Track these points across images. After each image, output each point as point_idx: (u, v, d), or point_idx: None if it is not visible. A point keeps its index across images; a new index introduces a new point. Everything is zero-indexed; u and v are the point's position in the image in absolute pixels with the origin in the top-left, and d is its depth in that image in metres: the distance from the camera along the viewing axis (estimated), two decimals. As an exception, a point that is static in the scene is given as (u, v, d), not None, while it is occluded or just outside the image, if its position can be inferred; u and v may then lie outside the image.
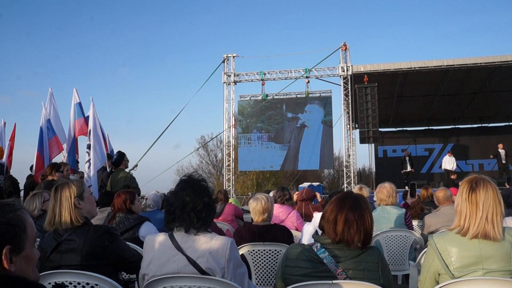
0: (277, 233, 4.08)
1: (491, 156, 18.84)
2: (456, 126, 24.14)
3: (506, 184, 11.64)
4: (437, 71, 16.84)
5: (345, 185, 16.75)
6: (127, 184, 6.96)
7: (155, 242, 2.51)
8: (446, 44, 72.36)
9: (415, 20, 74.50)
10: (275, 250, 3.89)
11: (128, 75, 65.47)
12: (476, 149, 23.40)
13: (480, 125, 24.07)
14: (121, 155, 7.57)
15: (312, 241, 2.40)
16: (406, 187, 16.31)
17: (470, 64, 16.29)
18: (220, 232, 5.64)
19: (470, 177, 2.46)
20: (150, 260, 2.49)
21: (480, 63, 16.21)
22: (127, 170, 7.93)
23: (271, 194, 6.30)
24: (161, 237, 2.51)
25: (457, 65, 16.35)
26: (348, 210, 2.31)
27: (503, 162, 18.37)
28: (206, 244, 2.42)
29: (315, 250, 2.29)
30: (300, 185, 26.07)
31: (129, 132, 61.92)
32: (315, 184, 27.03)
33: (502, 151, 18.40)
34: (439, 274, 2.38)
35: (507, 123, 23.71)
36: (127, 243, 3.19)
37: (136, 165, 13.83)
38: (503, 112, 22.73)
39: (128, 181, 7.26)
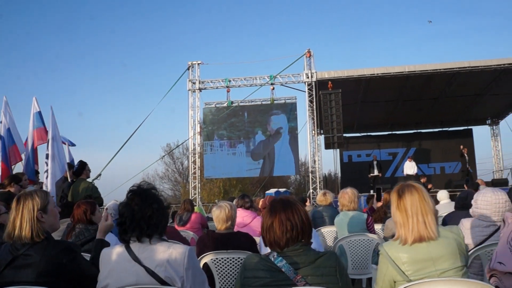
0: (240, 241, 4.06)
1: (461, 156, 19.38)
2: (418, 131, 24.63)
3: (464, 185, 11.94)
4: (399, 77, 17.17)
5: (311, 190, 16.87)
6: (89, 194, 6.81)
7: (111, 255, 2.46)
8: (408, 50, 74.08)
9: (378, 27, 76.04)
10: (239, 258, 3.87)
11: (91, 83, 64.47)
12: (437, 152, 23.97)
13: (441, 129, 24.64)
14: (82, 164, 7.41)
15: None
16: (372, 191, 16.60)
17: (430, 70, 16.70)
18: (184, 241, 5.59)
19: (397, 186, 2.56)
20: (108, 273, 2.44)
21: (440, 69, 16.64)
22: (89, 179, 7.77)
23: (234, 201, 6.30)
24: (117, 249, 2.46)
25: (418, 71, 16.74)
26: (279, 212, 2.33)
27: (467, 166, 19.01)
28: (164, 253, 2.39)
29: (272, 259, 2.28)
30: (267, 192, 26.13)
31: (92, 141, 60.81)
32: (281, 190, 27.12)
33: (466, 156, 19.09)
34: (394, 282, 2.43)
35: (466, 127, 24.39)
36: (87, 255, 3.11)
37: (100, 174, 13.56)
38: (462, 117, 23.36)
39: (90, 191, 7.10)
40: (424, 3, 72.87)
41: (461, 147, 19.56)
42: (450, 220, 4.90)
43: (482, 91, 19.57)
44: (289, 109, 17.76)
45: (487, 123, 24.47)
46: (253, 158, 17.79)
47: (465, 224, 3.64)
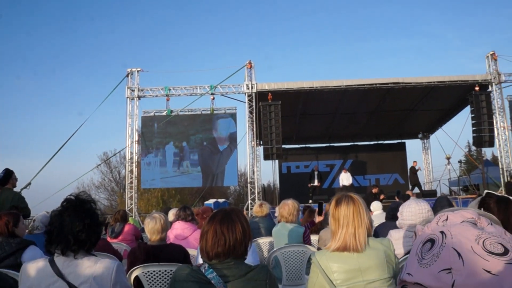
0: (173, 253, 3.99)
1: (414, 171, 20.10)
2: (355, 143, 25.32)
3: (395, 197, 12.37)
4: (337, 91, 17.58)
5: (249, 201, 16.89)
6: (15, 205, 6.45)
7: (32, 269, 2.31)
8: (347, 65, 76.44)
9: (318, 41, 77.98)
10: (171, 270, 3.78)
11: (25, 88, 61.78)
12: (373, 164, 24.73)
13: (376, 142, 25.47)
14: (8, 173, 7.00)
15: None
16: (310, 201, 16.84)
17: (366, 85, 17.24)
18: (116, 253, 5.42)
19: (337, 195, 2.63)
20: (27, 289, 2.28)
21: (375, 84, 17.21)
22: (16, 189, 7.37)
23: (171, 212, 6.19)
24: (40, 263, 2.32)
25: (355, 85, 17.22)
26: (216, 223, 2.31)
27: (417, 178, 19.81)
28: (89, 268, 2.28)
29: (203, 270, 2.24)
30: (206, 202, 25.99)
31: (24, 149, 58.13)
32: (221, 200, 27.09)
33: (417, 168, 19.91)
34: None
35: (399, 141, 25.36)
36: (8, 271, 2.93)
37: (29, 184, 13.00)
38: (396, 131, 24.25)
39: (16, 201, 6.72)
40: (362, 22, 75.67)
41: (415, 163, 20.41)
42: (381, 231, 5.04)
43: (414, 106, 20.43)
44: (229, 120, 17.75)
45: (419, 137, 25.54)
46: (193, 168, 17.59)
47: (394, 235, 3.77)
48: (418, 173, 20.25)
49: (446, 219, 1.06)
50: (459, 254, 0.91)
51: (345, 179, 19.28)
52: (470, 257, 0.90)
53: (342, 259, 2.43)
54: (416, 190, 19.55)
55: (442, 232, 0.99)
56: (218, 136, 17.68)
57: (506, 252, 0.91)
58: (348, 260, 2.43)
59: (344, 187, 19.11)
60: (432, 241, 0.99)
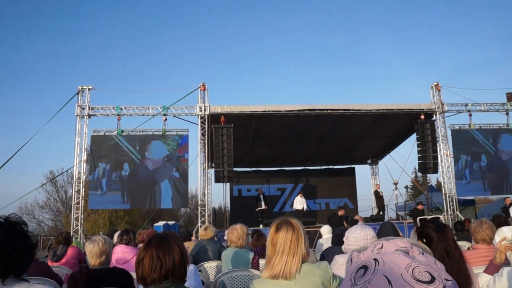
0: (115, 277, 3.85)
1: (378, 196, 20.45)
2: (306, 168, 25.64)
3: (344, 222, 12.54)
4: (289, 115, 17.81)
5: (199, 224, 16.69)
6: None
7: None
8: (300, 90, 77.83)
9: (272, 66, 79.15)
10: (113, 295, 3.65)
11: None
12: (323, 189, 25.07)
13: (326, 167, 25.89)
14: None
15: None
16: (261, 225, 16.83)
17: (318, 110, 17.57)
18: (57, 277, 5.21)
19: (277, 220, 2.63)
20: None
21: (327, 110, 17.59)
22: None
23: (115, 235, 6.03)
24: (-35, 291, 2.18)
25: (306, 110, 17.51)
26: (152, 249, 2.28)
27: (382, 201, 20.21)
28: (20, 295, 2.16)
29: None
30: (155, 224, 25.49)
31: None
32: (170, 223, 26.66)
33: (380, 191, 20.30)
34: None
35: (349, 166, 25.90)
36: None
37: (-33, 203, 12.35)
38: (345, 156, 24.78)
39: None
40: (315, 48, 77.55)
41: (378, 186, 20.86)
42: (327, 255, 5.10)
43: (364, 132, 21.00)
44: (181, 141, 17.59)
45: (368, 162, 26.18)
46: (142, 189, 17.24)
47: (339, 260, 3.81)
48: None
49: (381, 247, 1.10)
50: (389, 281, 0.94)
51: (299, 203, 19.40)
52: (400, 284, 0.93)
53: (280, 285, 2.43)
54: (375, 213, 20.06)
55: (375, 259, 1.03)
56: (168, 158, 17.41)
57: (432, 280, 0.95)
58: (283, 286, 2.42)
59: (297, 211, 19.24)
60: (365, 267, 1.03)
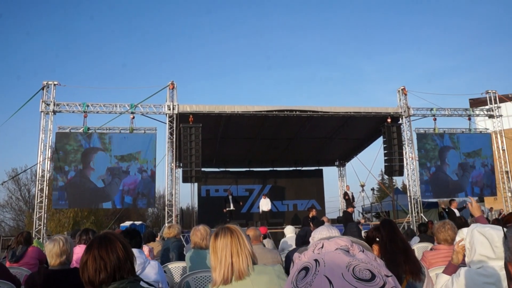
0: (76, 278, 3.74)
1: (346, 197, 20.54)
2: (274, 169, 25.74)
3: (310, 224, 12.62)
4: (258, 116, 17.81)
5: (166, 224, 16.52)
6: None
7: None
8: (269, 90, 78.12)
9: (242, 66, 79.23)
10: (72, 297, 3.56)
11: None
12: (291, 190, 25.23)
13: (294, 168, 26.05)
14: None
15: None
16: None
17: (286, 111, 17.64)
18: (14, 279, 5.06)
19: (215, 229, 2.66)
20: None
21: (295, 111, 17.68)
22: None
23: (77, 235, 5.90)
24: None
25: (275, 111, 17.56)
26: (94, 250, 2.23)
27: (352, 201, 20.36)
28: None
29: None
30: (122, 224, 25.18)
31: None
32: (137, 223, 26.34)
33: (349, 192, 20.43)
34: None
35: (317, 167, 26.15)
36: None
37: None
38: (313, 157, 25.00)
39: None
40: (286, 50, 78.02)
41: (348, 187, 21.05)
42: (292, 256, 5.11)
43: (332, 134, 21.23)
44: (149, 140, 17.38)
45: (336, 164, 26.48)
46: (108, 189, 16.94)
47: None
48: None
49: (322, 247, 1.09)
50: (330, 282, 0.94)
51: (264, 205, 19.47)
52: (341, 284, 0.93)
53: (237, 287, 2.43)
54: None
55: (316, 260, 1.02)
56: (134, 156, 17.16)
57: (373, 277, 0.95)
58: (243, 287, 2.42)
59: (263, 212, 19.29)
60: (306, 269, 1.02)
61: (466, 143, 19.50)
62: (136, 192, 16.94)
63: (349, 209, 15.83)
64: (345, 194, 20.85)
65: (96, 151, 17.11)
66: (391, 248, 3.12)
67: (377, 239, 3.23)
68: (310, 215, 14.91)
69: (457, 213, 15.29)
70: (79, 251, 5.10)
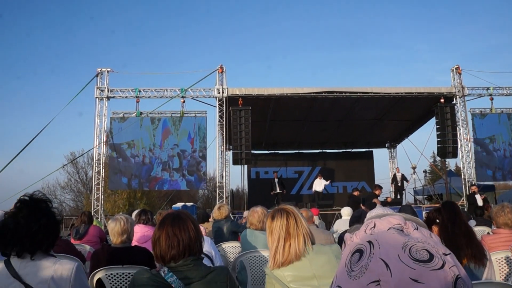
0: (136, 255, 3.95)
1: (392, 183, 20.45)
2: (323, 151, 25.54)
3: (361, 205, 12.49)
4: (307, 98, 17.71)
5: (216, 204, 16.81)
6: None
7: (-14, 272, 2.25)
8: (319, 72, 77.22)
9: (291, 48, 78.59)
10: (134, 273, 3.76)
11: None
12: (340, 172, 24.97)
13: (344, 150, 25.77)
14: None
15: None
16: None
17: (336, 92, 17.44)
18: (79, 255, 5.35)
19: (271, 211, 2.68)
20: (-21, 292, 2.24)
21: (345, 93, 17.44)
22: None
23: (133, 215, 6.14)
24: (-5, 265, 2.27)
25: (324, 93, 17.40)
26: (167, 226, 2.33)
27: (399, 185, 20.09)
28: (48, 269, 2.25)
29: (163, 274, 2.25)
30: (174, 205, 25.79)
31: (-12, 146, 56.47)
32: (189, 204, 26.92)
33: (398, 175, 20.18)
34: None
35: (367, 149, 25.74)
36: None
37: (-9, 182, 12.66)
38: (363, 139, 24.61)
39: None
40: (335, 31, 76.66)
41: (398, 169, 20.81)
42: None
43: (382, 116, 20.81)
44: (199, 123, 17.68)
45: (386, 146, 25.98)
46: (163, 171, 17.43)
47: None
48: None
49: (374, 227, 1.07)
50: (386, 265, 0.91)
51: (319, 185, 19.29)
52: (397, 266, 0.90)
53: (295, 267, 2.48)
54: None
55: (369, 242, 0.99)
56: (185, 139, 17.55)
57: (431, 258, 0.92)
58: (301, 267, 2.47)
59: (316, 193, 19.23)
60: (360, 251, 0.98)
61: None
62: (185, 172, 17.42)
63: (355, 193, 15.49)
64: (393, 178, 20.59)
65: (148, 135, 17.60)
66: (452, 230, 3.04)
67: (437, 221, 3.17)
68: (356, 195, 14.69)
69: (479, 199, 14.88)
70: (138, 230, 5.33)
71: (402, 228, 1.03)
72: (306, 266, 2.46)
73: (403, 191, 20.73)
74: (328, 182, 19.45)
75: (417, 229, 1.03)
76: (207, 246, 4.31)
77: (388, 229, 1.03)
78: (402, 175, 20.46)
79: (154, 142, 17.60)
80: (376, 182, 25.40)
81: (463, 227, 3.06)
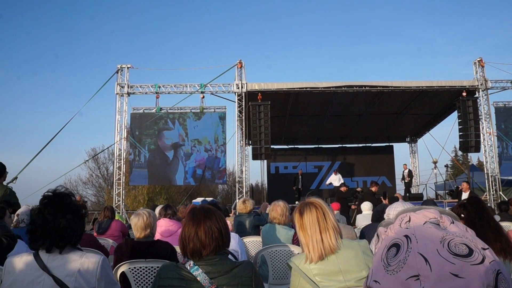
0: (159, 250, 3.98)
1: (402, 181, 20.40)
2: (343, 145, 25.42)
3: (381, 198, 12.41)
4: (327, 92, 17.60)
5: (237, 200, 16.88)
6: (7, 200, 6.35)
7: (17, 263, 2.31)
8: (338, 66, 76.80)
9: (310, 42, 78.24)
10: (157, 267, 3.77)
11: (13, 84, 61.23)
12: (360, 167, 24.86)
13: (364, 144, 25.60)
14: (3, 167, 6.86)
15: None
16: (297, 202, 16.91)
17: (356, 87, 17.30)
18: (102, 249, 5.42)
19: (298, 205, 2.64)
20: (11, 283, 2.28)
21: (365, 87, 17.29)
22: (5, 183, 7.25)
23: (157, 210, 6.18)
24: (25, 257, 2.32)
25: (344, 87, 17.27)
26: (204, 220, 2.33)
27: (406, 181, 19.93)
28: (75, 262, 2.29)
29: (188, 267, 2.25)
30: (194, 200, 25.86)
31: (11, 143, 57.51)
32: (208, 199, 26.93)
33: (405, 171, 20.05)
34: None
35: (387, 144, 25.51)
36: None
37: (16, 178, 12.92)
38: (383, 134, 24.39)
39: (7, 196, 6.62)
40: (354, 24, 76.08)
41: (405, 166, 20.68)
42: (367, 232, 5.11)
43: (403, 110, 20.58)
44: (218, 119, 17.74)
45: (407, 140, 25.72)
46: (182, 166, 17.55)
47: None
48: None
49: (409, 220, 1.04)
50: (425, 259, 0.90)
51: (335, 180, 19.22)
52: (437, 261, 0.89)
53: (322, 261, 2.46)
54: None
55: (406, 236, 0.97)
56: (205, 135, 17.64)
57: (470, 252, 0.91)
58: (328, 262, 2.45)
59: (335, 187, 19.16)
60: (397, 246, 0.97)
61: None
62: (204, 167, 17.53)
63: (342, 188, 15.33)
64: (402, 176, 20.48)
65: (168, 130, 17.72)
66: (481, 225, 2.98)
67: (462, 216, 3.12)
68: (373, 190, 14.56)
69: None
70: (163, 224, 5.37)
71: (438, 222, 1.01)
72: (332, 261, 2.44)
73: (410, 188, 20.58)
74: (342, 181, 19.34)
75: (453, 223, 1.01)
76: (234, 244, 4.32)
77: (424, 223, 1.01)
78: (409, 170, 20.29)
79: (174, 137, 17.71)
80: (396, 177, 25.25)
81: (491, 222, 3.02)
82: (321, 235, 2.47)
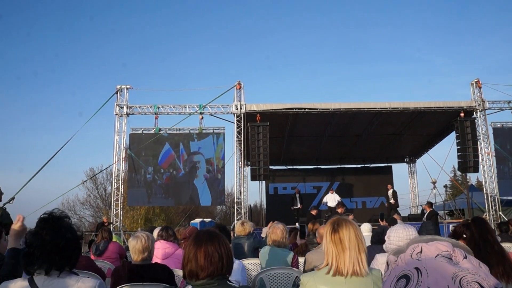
0: (157, 273, 3.95)
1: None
2: (342, 166, 25.40)
3: (379, 220, 12.34)
4: (325, 113, 17.69)
5: (236, 221, 16.74)
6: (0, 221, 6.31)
7: (11, 289, 2.26)
8: (337, 87, 77.29)
9: (308, 63, 78.92)
10: (155, 290, 3.73)
11: (12, 101, 61.41)
12: (360, 187, 24.81)
13: (363, 165, 25.58)
14: None
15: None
16: (297, 224, 16.78)
17: (354, 108, 17.39)
18: (100, 272, 5.34)
19: (333, 218, 2.60)
20: (4, 310, 2.24)
21: (363, 108, 17.37)
22: (0, 204, 7.23)
23: (155, 232, 6.12)
24: (19, 282, 2.27)
25: (343, 108, 17.34)
26: (205, 243, 2.30)
27: (391, 202, 19.75)
28: (71, 287, 2.24)
29: (187, 292, 2.22)
30: (192, 221, 25.74)
31: (8, 162, 57.32)
32: (207, 220, 26.85)
33: (390, 191, 19.88)
34: None
35: (386, 164, 25.49)
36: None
37: (13, 198, 12.81)
38: (382, 154, 24.39)
39: (0, 217, 6.59)
40: (352, 45, 76.81)
41: (389, 187, 20.41)
42: (367, 254, 5.05)
43: (401, 130, 20.64)
44: (217, 140, 17.73)
45: (405, 161, 25.72)
46: (179, 187, 17.48)
47: (380, 259, 3.77)
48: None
49: (421, 252, 1.02)
50: None
51: (331, 200, 18.94)
52: None
53: (330, 282, 2.42)
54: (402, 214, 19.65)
55: (417, 269, 0.95)
56: (204, 156, 17.62)
57: None
58: (336, 284, 2.41)
59: (330, 208, 18.95)
60: (407, 277, 0.94)
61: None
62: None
63: (313, 211, 15.21)
64: (387, 197, 20.27)
65: (167, 152, 17.69)
66: (484, 247, 2.96)
67: (465, 236, 3.08)
68: (339, 211, 14.42)
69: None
70: (159, 246, 5.32)
71: (451, 255, 0.98)
72: (341, 284, 2.40)
73: (397, 208, 20.24)
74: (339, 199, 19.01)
75: (466, 257, 0.98)
76: (238, 274, 4.26)
77: (436, 256, 0.98)
78: (393, 191, 20.02)
79: (172, 157, 17.68)
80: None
81: (496, 245, 2.98)
82: (356, 254, 2.44)
